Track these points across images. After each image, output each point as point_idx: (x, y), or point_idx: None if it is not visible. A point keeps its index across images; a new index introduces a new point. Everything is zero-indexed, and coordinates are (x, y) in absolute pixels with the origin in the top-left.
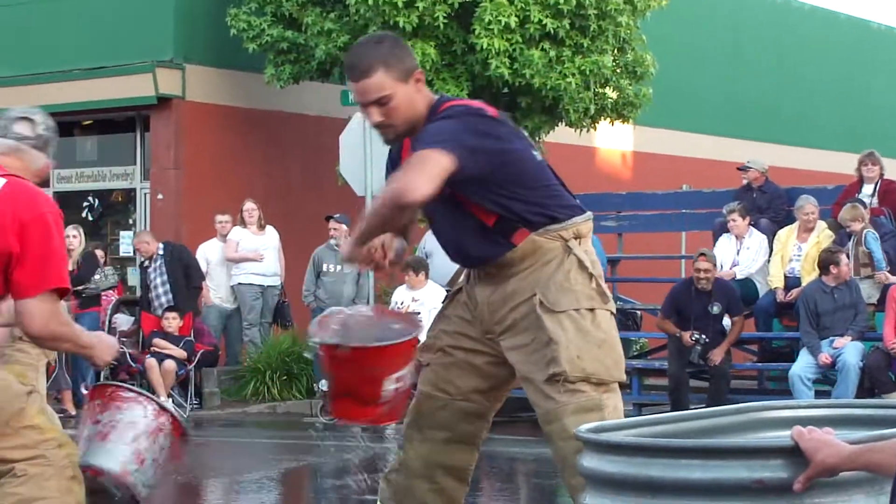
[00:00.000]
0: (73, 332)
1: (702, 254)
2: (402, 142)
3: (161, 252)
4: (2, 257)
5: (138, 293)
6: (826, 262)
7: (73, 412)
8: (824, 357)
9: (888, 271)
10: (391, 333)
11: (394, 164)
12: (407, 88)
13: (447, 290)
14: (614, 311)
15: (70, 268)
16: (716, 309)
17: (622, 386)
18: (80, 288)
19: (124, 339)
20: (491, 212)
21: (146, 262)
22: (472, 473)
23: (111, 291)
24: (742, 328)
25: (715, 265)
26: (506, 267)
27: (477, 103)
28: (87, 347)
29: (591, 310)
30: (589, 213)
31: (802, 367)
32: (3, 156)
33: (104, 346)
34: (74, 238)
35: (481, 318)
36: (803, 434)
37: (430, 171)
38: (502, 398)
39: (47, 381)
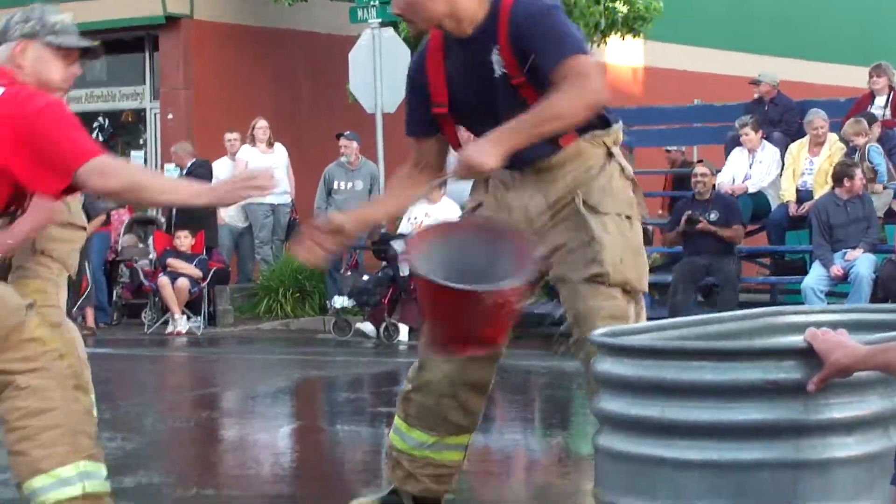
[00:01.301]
0: (152, 182)
1: (699, 161)
2: (426, 53)
3: (186, 171)
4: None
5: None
6: (840, 174)
7: (95, 329)
8: (836, 269)
9: None
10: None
11: (417, 79)
12: None
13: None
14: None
15: None
16: (713, 216)
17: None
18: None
19: (136, 259)
20: None
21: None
22: (491, 386)
23: (122, 210)
24: (739, 234)
25: (713, 174)
26: (547, 171)
27: None
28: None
29: (629, 217)
30: (621, 122)
31: (815, 279)
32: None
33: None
34: None
35: (522, 222)
36: (817, 335)
37: (601, 75)
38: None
39: (80, 298)
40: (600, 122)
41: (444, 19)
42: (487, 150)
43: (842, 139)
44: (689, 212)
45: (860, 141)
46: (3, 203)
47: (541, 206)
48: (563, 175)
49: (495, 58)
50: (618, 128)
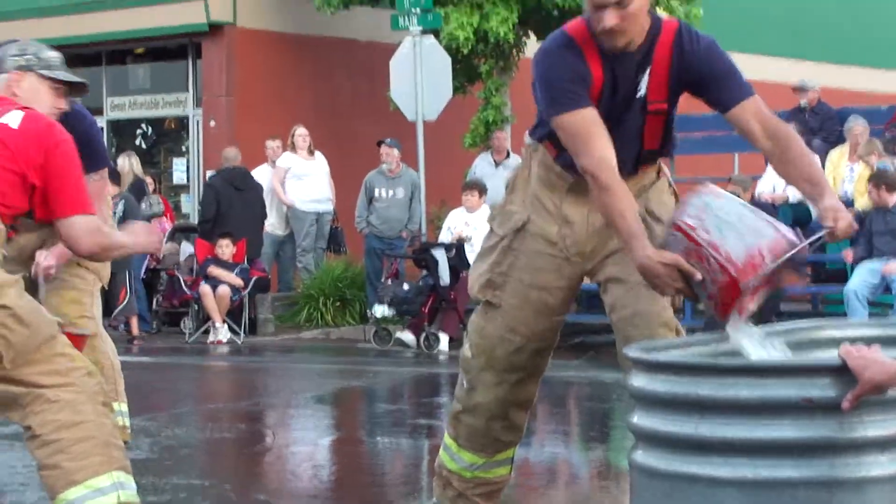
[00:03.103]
0: (117, 239)
1: (729, 179)
2: (580, 46)
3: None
4: (30, 188)
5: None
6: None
7: (137, 334)
8: (888, 267)
9: None
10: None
11: (581, 61)
12: None
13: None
14: None
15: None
16: None
17: (675, 311)
18: None
19: (178, 266)
20: (662, 139)
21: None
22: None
23: (163, 219)
24: None
25: (745, 190)
26: None
27: None
28: (133, 246)
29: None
30: None
31: (858, 284)
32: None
33: (142, 236)
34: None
35: (574, 239)
36: (851, 352)
37: None
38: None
39: (119, 308)
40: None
41: (635, 35)
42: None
43: (888, 145)
44: None
45: (873, 160)
46: (19, 210)
47: (601, 220)
48: None
49: (643, 78)
50: None
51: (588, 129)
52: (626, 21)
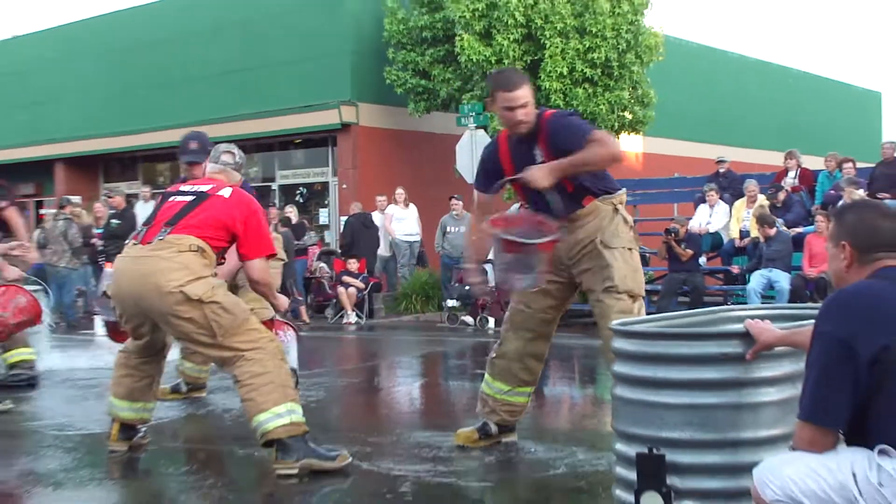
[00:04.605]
0: (271, 287)
1: (672, 219)
2: (498, 144)
3: (347, 218)
4: (232, 236)
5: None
6: (761, 220)
7: (308, 321)
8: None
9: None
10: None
11: (491, 158)
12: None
13: None
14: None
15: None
16: (683, 245)
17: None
18: (296, 243)
19: (323, 277)
20: (571, 183)
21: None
22: (546, 355)
23: (314, 246)
24: (685, 255)
25: (684, 226)
26: (576, 220)
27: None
28: (273, 298)
29: (630, 249)
30: (625, 189)
31: (754, 284)
32: (216, 174)
33: (282, 301)
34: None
35: (559, 254)
36: (752, 324)
37: (615, 140)
38: (566, 309)
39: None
40: (609, 189)
41: (528, 127)
42: (543, 174)
43: (770, 196)
44: (667, 227)
45: (770, 231)
46: (225, 246)
47: (571, 243)
48: (586, 223)
49: (537, 151)
50: (621, 193)
51: (476, 201)
52: (528, 116)
